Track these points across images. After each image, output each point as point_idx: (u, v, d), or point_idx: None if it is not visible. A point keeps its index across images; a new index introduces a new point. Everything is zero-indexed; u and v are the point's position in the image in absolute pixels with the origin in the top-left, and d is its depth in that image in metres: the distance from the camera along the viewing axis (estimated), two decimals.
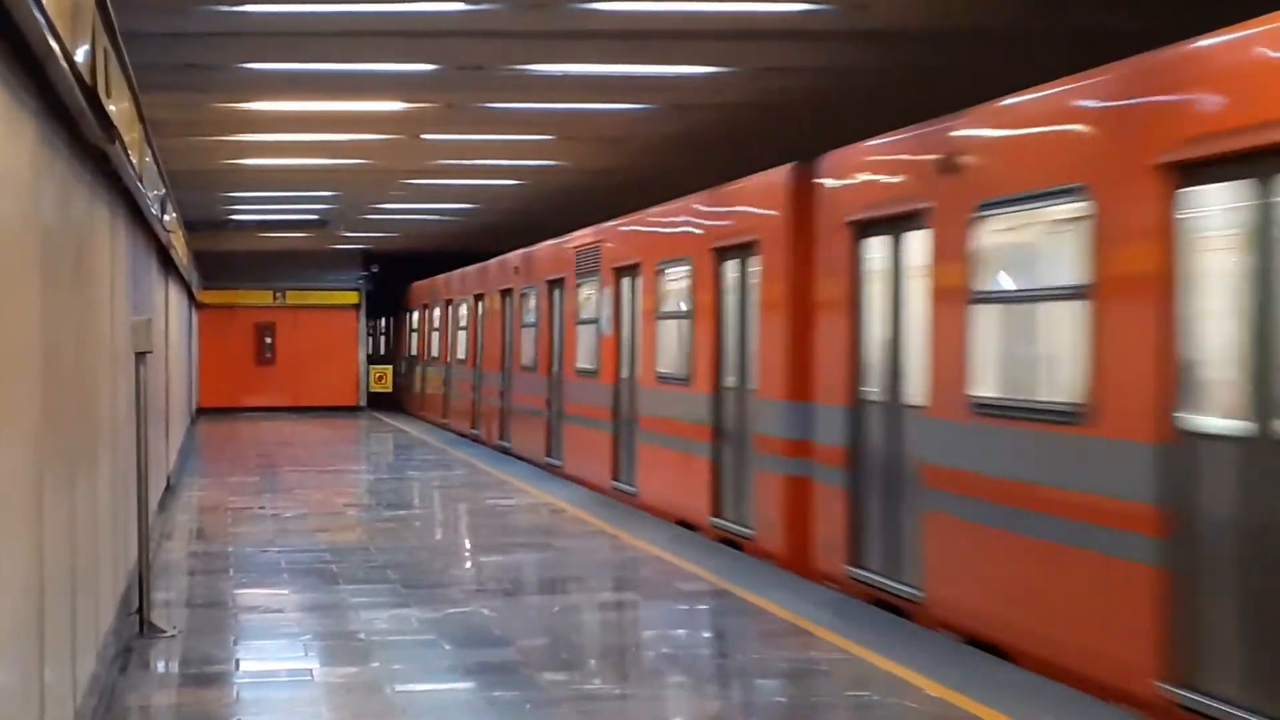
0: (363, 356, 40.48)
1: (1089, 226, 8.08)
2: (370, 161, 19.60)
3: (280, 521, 15.68)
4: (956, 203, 9.52)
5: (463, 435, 28.74)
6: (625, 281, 17.60)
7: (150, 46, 10.75)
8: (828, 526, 11.61)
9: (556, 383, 21.22)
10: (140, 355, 10.00)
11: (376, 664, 8.80)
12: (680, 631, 10.22)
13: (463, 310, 30.01)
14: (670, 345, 15.79)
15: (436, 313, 33.77)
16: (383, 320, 43.33)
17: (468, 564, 13.47)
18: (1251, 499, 6.84)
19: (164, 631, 9.69)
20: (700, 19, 11.30)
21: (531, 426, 22.81)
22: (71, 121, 6.37)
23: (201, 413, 35.96)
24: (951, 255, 9.58)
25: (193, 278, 28.89)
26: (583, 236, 19.86)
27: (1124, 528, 7.68)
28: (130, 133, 8.38)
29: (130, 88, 8.43)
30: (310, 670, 8.73)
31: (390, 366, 41.98)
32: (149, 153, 11.17)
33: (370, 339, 41.98)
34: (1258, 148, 6.75)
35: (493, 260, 26.72)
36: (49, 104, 5.71)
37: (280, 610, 10.61)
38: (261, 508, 16.99)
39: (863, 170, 11.43)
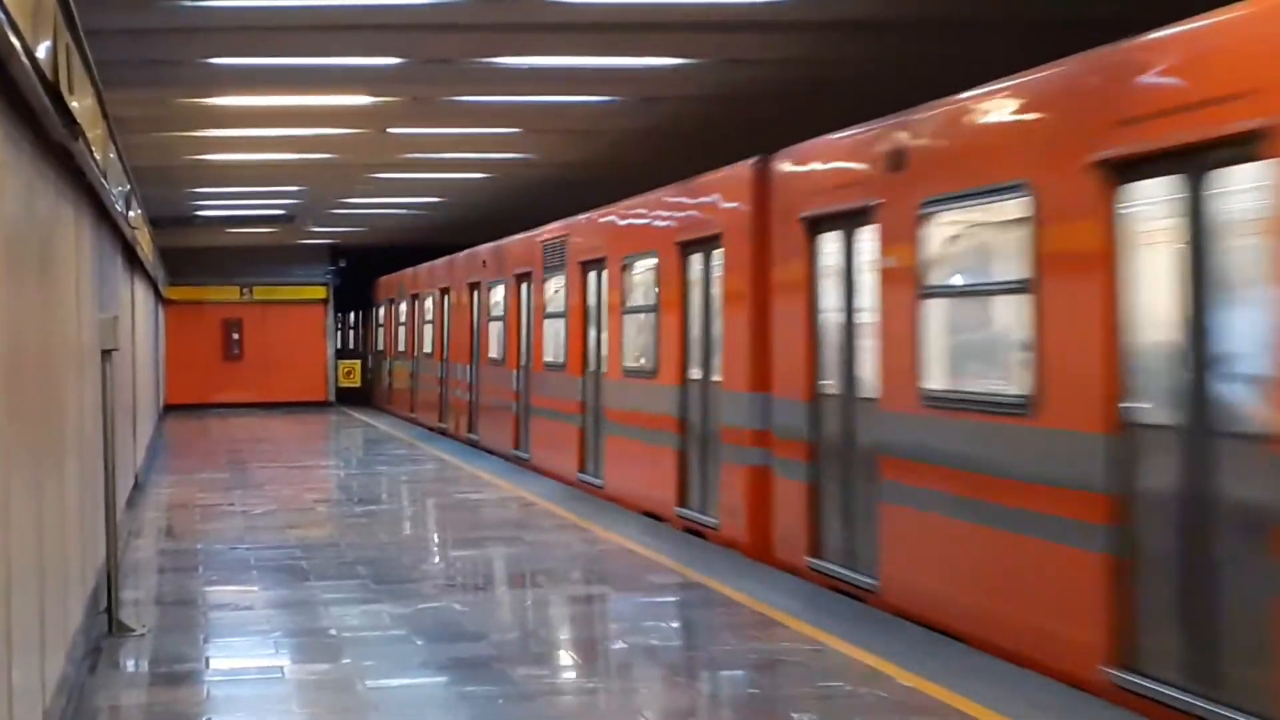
0: (331, 352, 40.37)
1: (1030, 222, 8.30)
2: (336, 156, 19.55)
3: (250, 518, 15.63)
4: (903, 199, 9.74)
5: (431, 429, 28.56)
6: (591, 276, 17.56)
7: (113, 42, 10.68)
8: (788, 517, 11.75)
9: (524, 376, 21.19)
10: (106, 353, 9.95)
11: (348, 660, 8.78)
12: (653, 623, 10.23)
13: (428, 304, 29.86)
14: (636, 339, 15.81)
15: (403, 307, 33.58)
16: (351, 315, 43.18)
17: (439, 559, 13.45)
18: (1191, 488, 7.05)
19: (133, 630, 9.64)
20: (667, 10, 11.30)
21: (499, 420, 22.76)
22: (34, 119, 6.33)
23: (169, 409, 35.81)
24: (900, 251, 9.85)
25: (159, 274, 28.77)
26: (548, 230, 19.82)
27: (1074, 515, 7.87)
28: (94, 129, 8.34)
29: (93, 84, 8.38)
30: (281, 667, 8.70)
31: (359, 361, 41.86)
32: (113, 149, 11.11)
33: (339, 334, 41.86)
34: None
35: (462, 253, 26.60)
36: (11, 101, 5.66)
37: (250, 607, 10.56)
38: (230, 504, 16.92)
39: (815, 166, 11.53)
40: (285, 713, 7.73)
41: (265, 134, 17.45)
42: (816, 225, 11.26)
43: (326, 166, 20.68)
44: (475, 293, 25.01)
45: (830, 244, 11.11)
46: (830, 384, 11.11)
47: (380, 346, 37.73)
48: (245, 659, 9.06)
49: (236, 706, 7.93)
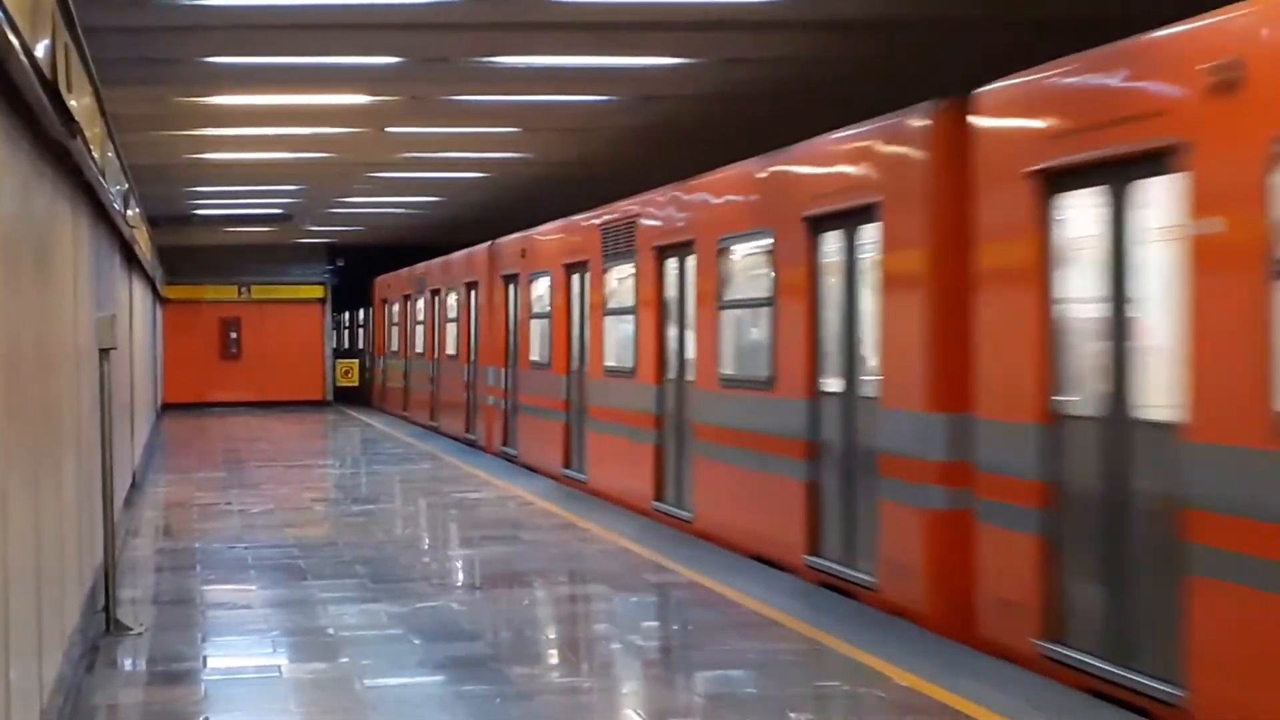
0: (329, 351, 40.38)
1: None
2: (335, 155, 19.54)
3: (247, 517, 15.62)
4: (1240, 134, 6.79)
5: (455, 439, 26.11)
6: (670, 263, 14.81)
7: (111, 41, 10.68)
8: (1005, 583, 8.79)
9: (576, 383, 18.38)
10: (104, 352, 9.94)
11: (345, 659, 8.77)
12: None
13: (452, 301, 27.30)
14: (739, 340, 13.23)
15: (420, 304, 31.07)
16: (349, 314, 43.12)
17: (436, 558, 13.43)
18: None
19: (131, 629, 9.64)
20: (665, 10, 11.30)
21: (544, 434, 19.70)
22: (32, 117, 6.32)
23: (167, 408, 35.81)
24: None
25: (157, 273, 28.77)
26: (610, 211, 16.87)
27: None
28: (92, 128, 8.33)
29: (91, 82, 8.37)
30: (279, 666, 8.69)
31: (356, 361, 41.81)
32: (111, 148, 11.10)
33: (339, 332, 41.80)
34: None
35: (495, 241, 23.42)
36: (10, 100, 5.66)
37: (248, 606, 10.56)
38: (228, 503, 16.91)
39: (1054, 101, 8.43)
40: (283, 711, 7.73)
41: (263, 133, 17.44)
42: (1056, 183, 8.24)
43: (325, 165, 20.67)
44: (512, 287, 21.95)
45: (1080, 208, 8.13)
46: (1079, 401, 8.19)
47: (394, 347, 35.19)
48: (243, 658, 9.06)
49: (234, 705, 7.92)
